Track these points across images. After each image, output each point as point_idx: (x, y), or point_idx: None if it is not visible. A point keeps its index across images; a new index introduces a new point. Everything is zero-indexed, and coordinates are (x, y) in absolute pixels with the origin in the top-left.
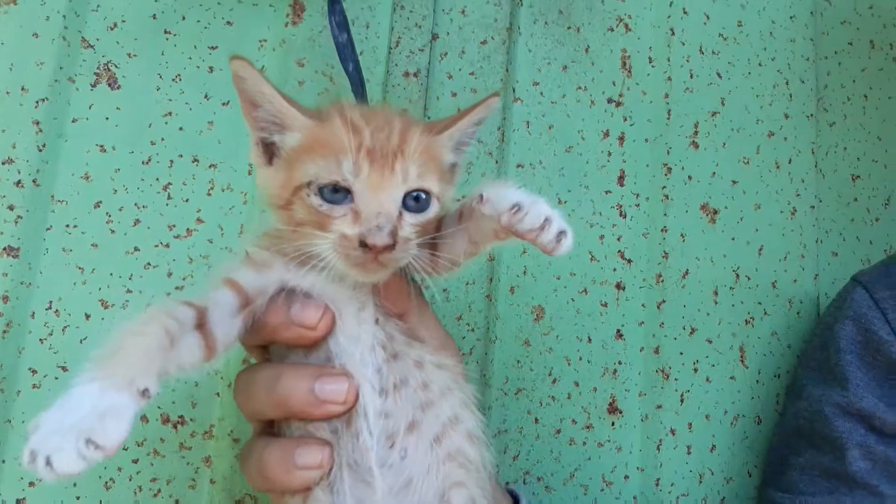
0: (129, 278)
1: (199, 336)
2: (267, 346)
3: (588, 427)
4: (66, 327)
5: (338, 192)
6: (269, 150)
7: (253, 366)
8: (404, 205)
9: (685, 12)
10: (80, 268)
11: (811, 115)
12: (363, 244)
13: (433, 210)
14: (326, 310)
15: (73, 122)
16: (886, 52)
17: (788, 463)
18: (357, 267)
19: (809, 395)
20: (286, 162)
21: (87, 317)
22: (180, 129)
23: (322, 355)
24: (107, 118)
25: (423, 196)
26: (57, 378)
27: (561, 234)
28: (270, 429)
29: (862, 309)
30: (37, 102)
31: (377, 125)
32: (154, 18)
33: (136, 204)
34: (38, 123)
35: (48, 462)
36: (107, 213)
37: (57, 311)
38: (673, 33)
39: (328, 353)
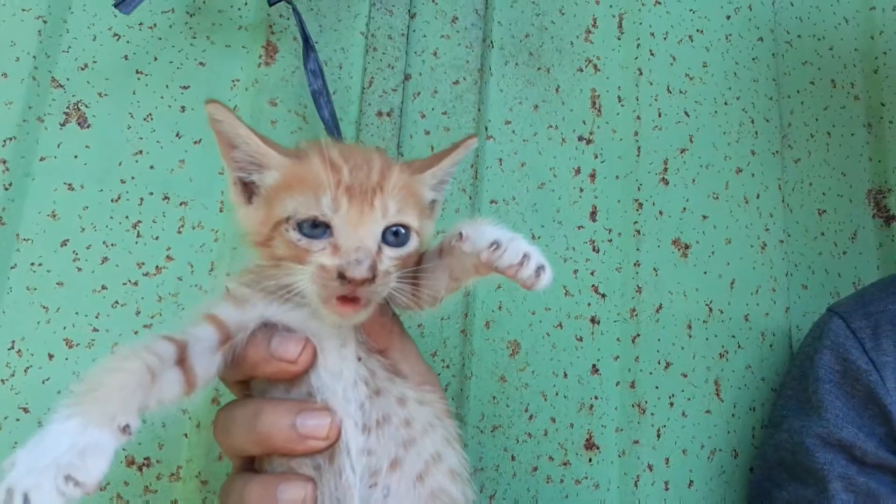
0: (96, 317)
1: (180, 372)
2: (247, 382)
3: (565, 464)
4: (28, 368)
5: (317, 228)
6: (248, 189)
7: (233, 402)
8: (384, 239)
9: (652, 54)
10: (44, 307)
11: (777, 151)
12: (342, 276)
13: (413, 244)
14: (307, 343)
15: (40, 160)
16: (847, 91)
17: (772, 496)
18: (330, 304)
19: (790, 427)
20: (265, 200)
21: (51, 357)
22: (151, 167)
23: (304, 391)
24: (76, 156)
25: (403, 231)
26: (18, 420)
27: (540, 268)
28: (251, 465)
29: (839, 339)
30: (4, 141)
31: (356, 163)
32: (126, 59)
33: (104, 242)
34: (4, 162)
35: (26, 499)
36: (73, 252)
37: (20, 350)
38: (641, 73)
39: (310, 388)
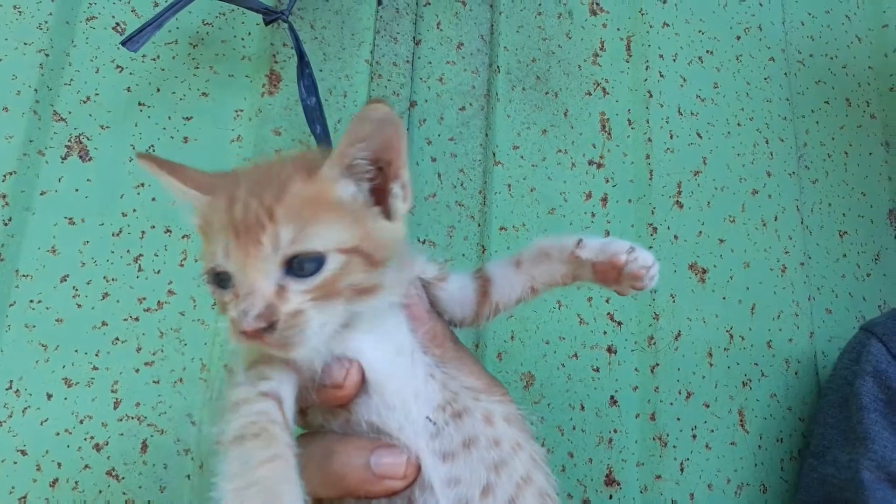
0: (96, 355)
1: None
2: (305, 410)
3: (585, 502)
4: (26, 408)
5: (225, 278)
6: None
7: (300, 437)
8: (291, 272)
9: (661, 76)
10: (43, 345)
11: (793, 172)
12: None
13: (334, 265)
14: (352, 364)
15: (41, 194)
16: (863, 110)
17: None
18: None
19: (836, 460)
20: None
21: (49, 396)
22: (153, 199)
23: (362, 424)
24: (76, 190)
25: (312, 257)
26: (16, 462)
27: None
28: None
29: (882, 365)
30: (4, 176)
31: (256, 188)
32: (128, 91)
33: (104, 277)
34: (4, 197)
35: None
36: (73, 287)
37: (17, 391)
38: (651, 95)
39: (370, 421)
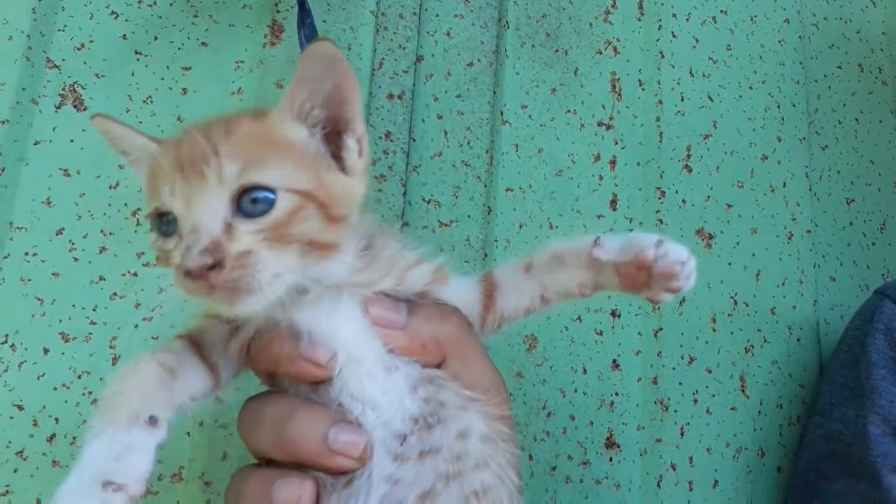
0: (93, 310)
1: (200, 361)
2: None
3: (585, 463)
4: (22, 363)
5: (170, 223)
6: None
7: (264, 394)
8: (241, 212)
9: (674, 36)
10: (39, 299)
11: (803, 138)
12: (186, 271)
13: (285, 206)
14: (336, 353)
15: (35, 144)
16: (875, 76)
17: (821, 490)
18: (206, 298)
19: (843, 416)
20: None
21: (46, 351)
22: None
23: (333, 399)
24: (72, 141)
25: (262, 194)
26: (12, 418)
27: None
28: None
29: (894, 323)
30: None
31: (204, 129)
32: (124, 39)
33: (101, 230)
34: None
35: None
36: (70, 241)
37: (13, 345)
38: (662, 56)
39: (340, 400)
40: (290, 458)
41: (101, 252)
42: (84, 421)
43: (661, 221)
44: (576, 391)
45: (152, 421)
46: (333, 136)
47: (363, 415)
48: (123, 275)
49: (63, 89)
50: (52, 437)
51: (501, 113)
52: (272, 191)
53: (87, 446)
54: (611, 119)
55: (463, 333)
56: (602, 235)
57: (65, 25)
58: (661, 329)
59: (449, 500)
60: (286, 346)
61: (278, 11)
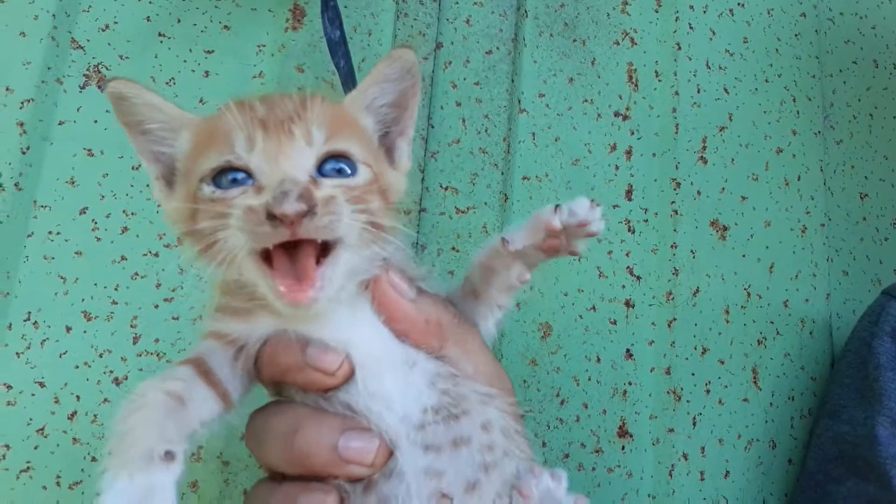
0: (115, 289)
1: (207, 385)
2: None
3: (597, 451)
4: (45, 340)
5: (235, 180)
6: (171, 182)
7: (270, 405)
8: (321, 172)
9: (691, 27)
10: (62, 277)
11: (818, 132)
12: (271, 216)
13: (363, 176)
14: (346, 357)
15: (59, 124)
16: (890, 72)
17: (828, 492)
18: (277, 291)
19: (852, 418)
20: (184, 175)
21: (69, 329)
22: None
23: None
24: (95, 121)
25: (344, 163)
26: (34, 395)
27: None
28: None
29: None
30: (22, 103)
31: (274, 102)
32: (148, 21)
33: (124, 211)
34: (22, 125)
35: None
36: (93, 220)
37: (36, 322)
38: (679, 48)
39: (352, 405)
40: (301, 471)
41: (123, 232)
42: (105, 399)
43: (675, 212)
44: (589, 380)
45: (168, 456)
46: (384, 136)
47: (382, 413)
48: (145, 255)
49: (87, 70)
50: (73, 414)
51: (519, 101)
52: (354, 162)
53: (105, 495)
54: (627, 109)
55: (463, 323)
56: (503, 233)
57: (90, 6)
58: (674, 319)
59: (492, 491)
60: (293, 355)
61: None
